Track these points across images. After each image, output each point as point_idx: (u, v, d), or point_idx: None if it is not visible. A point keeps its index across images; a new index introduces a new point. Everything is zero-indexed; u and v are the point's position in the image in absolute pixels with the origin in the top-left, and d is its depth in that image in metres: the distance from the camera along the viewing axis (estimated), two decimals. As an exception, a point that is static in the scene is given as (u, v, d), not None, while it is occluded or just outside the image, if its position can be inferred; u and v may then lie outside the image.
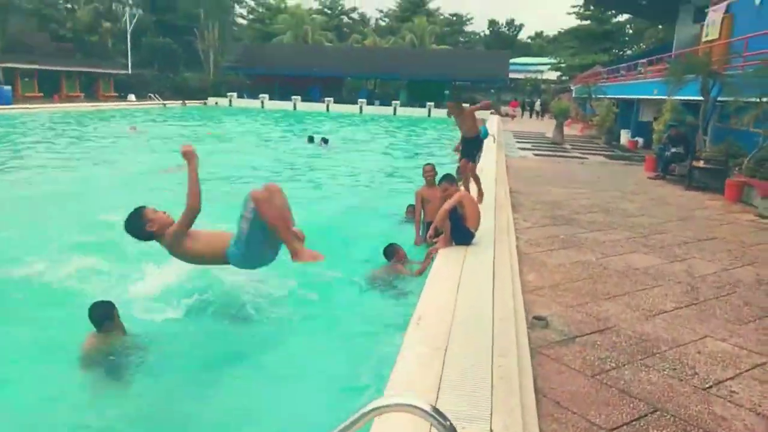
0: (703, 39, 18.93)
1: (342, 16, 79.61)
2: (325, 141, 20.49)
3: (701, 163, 12.68)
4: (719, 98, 14.26)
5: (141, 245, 5.19)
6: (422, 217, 8.31)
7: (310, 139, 21.48)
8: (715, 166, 12.50)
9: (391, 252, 6.70)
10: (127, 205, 5.00)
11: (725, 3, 17.69)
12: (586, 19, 54.13)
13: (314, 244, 8.07)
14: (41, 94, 42.35)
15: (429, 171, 8.46)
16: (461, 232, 6.32)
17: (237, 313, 5.47)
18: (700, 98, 14.47)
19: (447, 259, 5.82)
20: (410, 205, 9.26)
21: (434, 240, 6.68)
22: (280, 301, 5.74)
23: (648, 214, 9.49)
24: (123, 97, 48.49)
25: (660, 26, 46.25)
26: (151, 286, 5.76)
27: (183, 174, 4.87)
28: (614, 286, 5.68)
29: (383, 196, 12.14)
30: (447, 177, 7.01)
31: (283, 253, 4.86)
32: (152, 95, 48.82)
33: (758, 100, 11.46)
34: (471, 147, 9.20)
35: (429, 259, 6.22)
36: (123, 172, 14.47)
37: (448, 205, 6.27)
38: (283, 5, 67.86)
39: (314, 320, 5.49)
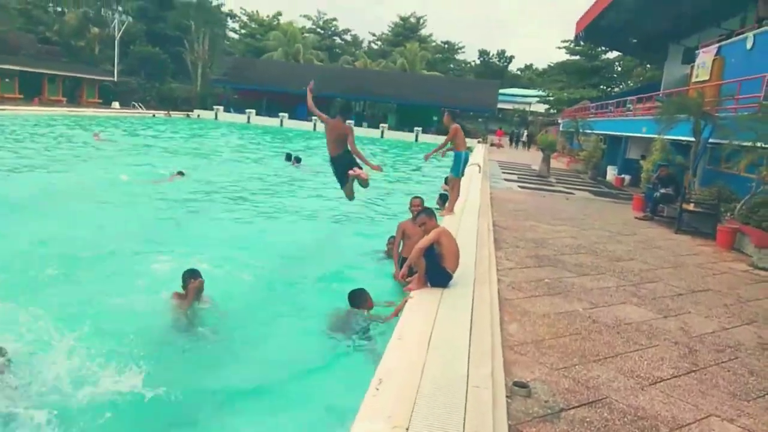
0: (693, 80, 18.75)
1: (334, 37, 79.74)
2: (298, 160, 19.71)
3: (691, 206, 12.23)
4: (710, 140, 13.93)
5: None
6: (401, 250, 7.67)
7: (288, 157, 20.78)
8: (706, 210, 12.06)
9: (358, 300, 5.91)
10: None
11: (716, 45, 17.54)
12: (576, 55, 54.52)
13: (281, 278, 7.51)
14: (21, 96, 41.37)
15: (417, 205, 7.79)
16: (437, 272, 5.69)
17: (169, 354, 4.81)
18: (691, 139, 14.13)
19: (419, 305, 5.17)
20: (392, 237, 8.56)
21: (408, 279, 6.04)
22: (221, 342, 5.07)
23: (638, 259, 8.95)
24: (107, 104, 47.62)
25: (648, 65, 46.69)
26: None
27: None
28: (605, 345, 5.07)
29: (362, 225, 11.43)
30: (425, 211, 6.36)
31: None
32: (136, 104, 48.05)
33: (752, 144, 11.08)
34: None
35: (403, 306, 5.50)
36: (68, 182, 13.60)
37: (423, 242, 5.63)
38: (275, 22, 67.72)
39: (260, 371, 4.80)
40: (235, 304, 6.06)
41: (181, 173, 15.06)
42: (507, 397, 3.83)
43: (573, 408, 3.85)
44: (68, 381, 4.46)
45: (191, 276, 5.78)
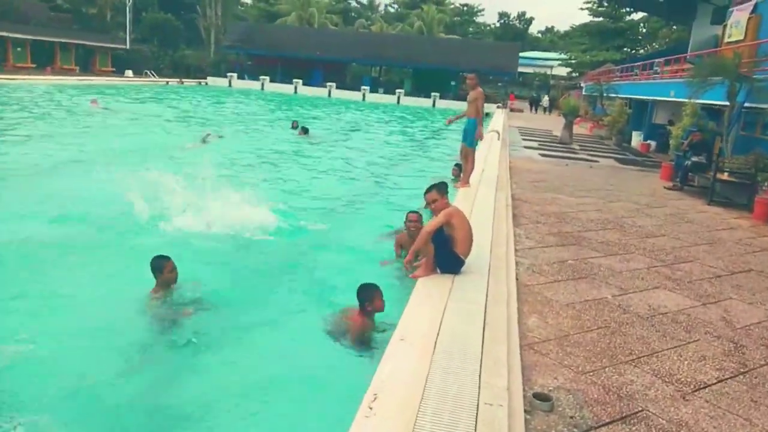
0: (726, 40, 17.64)
1: (350, 0, 77.92)
2: (305, 131, 18.80)
3: (726, 176, 11.40)
4: (746, 104, 13.00)
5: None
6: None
7: (295, 125, 19.85)
8: (742, 180, 11.23)
9: (367, 296, 4.79)
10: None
11: (752, 2, 16.38)
12: (599, 16, 52.61)
13: (277, 264, 6.86)
14: (33, 65, 40.95)
15: (413, 221, 6.45)
16: (448, 258, 5.08)
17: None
18: (724, 103, 13.20)
19: (426, 297, 4.59)
20: (411, 212, 7.55)
21: (416, 264, 5.42)
22: (204, 338, 4.55)
23: (669, 234, 8.26)
24: (120, 73, 47.10)
25: (674, 26, 44.84)
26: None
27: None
28: (638, 341, 4.46)
29: (372, 203, 10.69)
30: (437, 186, 5.64)
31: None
32: (149, 72, 47.49)
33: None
34: None
35: None
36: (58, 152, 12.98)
37: (431, 225, 5.02)
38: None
39: (244, 376, 4.27)
40: (223, 295, 5.50)
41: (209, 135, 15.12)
42: (526, 412, 3.27)
43: (604, 425, 3.27)
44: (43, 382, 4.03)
45: (162, 259, 5.09)
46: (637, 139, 23.70)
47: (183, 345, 4.56)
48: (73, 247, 6.65)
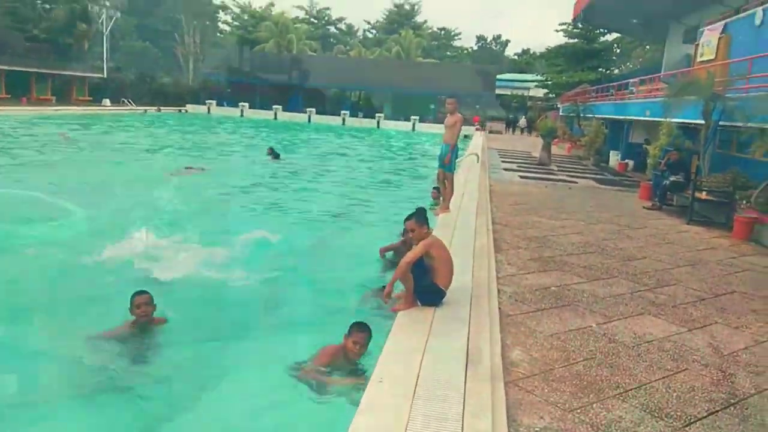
0: (698, 59, 17.94)
1: (328, 26, 78.63)
2: (276, 156, 18.48)
3: (704, 194, 11.44)
4: (721, 122, 13.14)
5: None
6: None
7: (271, 151, 19.67)
8: (720, 198, 11.27)
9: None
10: None
11: (722, 23, 16.73)
12: (574, 38, 53.49)
13: (251, 298, 6.62)
14: (8, 96, 40.53)
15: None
16: (428, 290, 4.93)
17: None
18: (700, 121, 13.33)
19: (406, 332, 4.42)
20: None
21: (396, 296, 5.25)
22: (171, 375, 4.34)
23: (650, 257, 8.20)
24: (98, 102, 46.79)
25: (648, 46, 45.81)
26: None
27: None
28: (624, 373, 4.33)
29: (350, 230, 10.53)
30: (416, 215, 5.42)
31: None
32: (126, 100, 47.23)
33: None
34: None
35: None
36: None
37: (409, 256, 4.87)
38: (267, 12, 66.55)
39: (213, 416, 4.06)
40: (193, 330, 5.31)
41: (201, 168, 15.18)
42: (512, 458, 3.10)
43: (594, 469, 3.12)
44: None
45: (134, 294, 4.97)
46: (614, 158, 23.90)
47: (143, 385, 4.36)
48: (39, 285, 6.43)
